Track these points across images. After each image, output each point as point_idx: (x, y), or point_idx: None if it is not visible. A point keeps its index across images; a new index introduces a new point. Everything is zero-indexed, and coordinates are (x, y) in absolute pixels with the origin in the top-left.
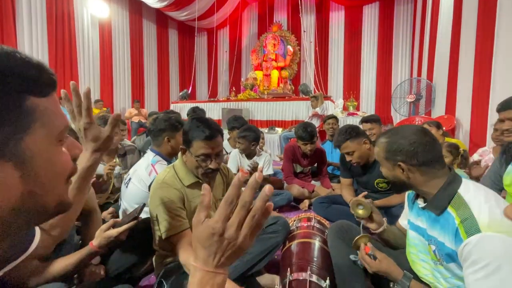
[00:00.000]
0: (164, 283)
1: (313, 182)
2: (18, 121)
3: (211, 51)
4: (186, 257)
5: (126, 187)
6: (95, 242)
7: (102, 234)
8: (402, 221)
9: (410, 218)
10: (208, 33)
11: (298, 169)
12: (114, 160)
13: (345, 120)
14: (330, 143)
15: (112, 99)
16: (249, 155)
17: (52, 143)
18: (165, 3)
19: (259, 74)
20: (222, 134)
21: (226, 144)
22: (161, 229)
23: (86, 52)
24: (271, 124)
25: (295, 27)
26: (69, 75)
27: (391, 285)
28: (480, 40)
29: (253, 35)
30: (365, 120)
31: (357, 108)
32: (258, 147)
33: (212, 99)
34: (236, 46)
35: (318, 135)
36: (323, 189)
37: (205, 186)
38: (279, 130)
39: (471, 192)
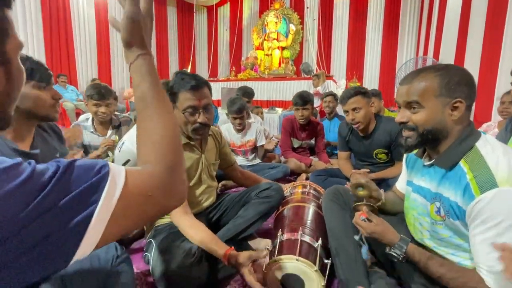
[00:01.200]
0: (153, 242)
1: (311, 158)
2: (2, 26)
3: (211, 30)
4: (177, 215)
5: (119, 151)
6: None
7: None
8: (399, 184)
9: (412, 179)
10: (208, 10)
11: (296, 143)
12: (114, 138)
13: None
14: (328, 121)
15: (110, 78)
16: (240, 129)
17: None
18: None
19: (260, 54)
20: (209, 87)
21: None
22: None
23: (82, 30)
24: (272, 104)
25: (297, 5)
26: (65, 53)
27: (387, 250)
28: (491, 16)
29: (254, 14)
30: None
31: None
32: (255, 115)
33: (212, 78)
34: (237, 25)
35: (318, 111)
36: (321, 164)
37: None
38: (279, 110)
39: (489, 146)
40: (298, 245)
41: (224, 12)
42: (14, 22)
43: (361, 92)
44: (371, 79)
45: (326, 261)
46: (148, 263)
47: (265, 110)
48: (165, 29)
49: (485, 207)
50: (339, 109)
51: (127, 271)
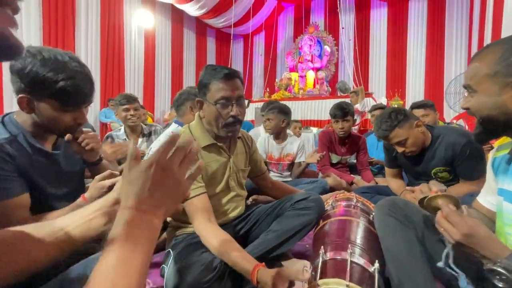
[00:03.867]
0: (171, 252)
1: (352, 176)
2: None
3: (246, 56)
4: (199, 223)
5: (147, 156)
6: (87, 194)
7: (94, 185)
8: (483, 199)
9: (504, 186)
10: (244, 39)
11: (334, 159)
12: (143, 146)
13: None
14: (375, 137)
15: (154, 103)
16: (280, 138)
17: None
18: (203, 11)
19: (294, 75)
20: (241, 80)
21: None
22: None
23: (133, 60)
24: (306, 124)
25: (332, 27)
26: (116, 82)
27: (488, 265)
28: None
29: (288, 39)
30: (416, 106)
31: (403, 106)
32: (291, 131)
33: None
34: (272, 50)
35: (358, 124)
36: (364, 183)
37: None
38: (314, 129)
39: None
40: (348, 267)
41: (260, 39)
42: (78, 48)
43: (398, 122)
44: (415, 96)
45: None
46: (164, 276)
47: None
48: (205, 57)
49: None
50: None
51: None
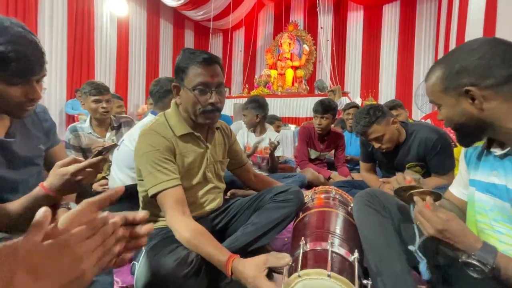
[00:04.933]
0: (143, 248)
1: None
2: None
3: (226, 51)
4: (172, 215)
5: (117, 149)
6: (46, 183)
7: (55, 171)
8: (455, 189)
9: (477, 177)
10: (224, 34)
11: (313, 154)
12: (110, 140)
13: None
14: (349, 134)
15: (127, 95)
16: (256, 132)
17: None
18: (181, 2)
19: (273, 73)
20: (222, 67)
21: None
22: (146, 185)
23: (104, 50)
24: (285, 121)
25: (311, 27)
26: (85, 72)
27: (463, 258)
28: None
29: (268, 35)
30: (389, 107)
31: None
32: (269, 125)
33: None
34: (251, 46)
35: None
36: (341, 178)
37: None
38: (292, 127)
39: None
40: (329, 257)
41: (239, 35)
42: (41, 34)
43: (376, 118)
44: (387, 97)
45: (365, 281)
46: (134, 274)
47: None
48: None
49: None
50: None
51: (103, 280)
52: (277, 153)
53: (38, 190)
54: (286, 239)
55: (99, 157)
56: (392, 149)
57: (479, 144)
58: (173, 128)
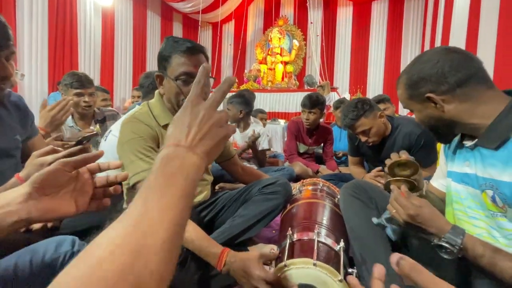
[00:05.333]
0: None
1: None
2: None
3: (215, 45)
4: None
5: (105, 140)
6: (22, 173)
7: (32, 161)
8: (436, 182)
9: (453, 168)
10: (213, 27)
11: (302, 148)
12: (92, 127)
13: None
14: (338, 128)
15: (112, 88)
16: (240, 127)
17: None
18: None
19: (263, 67)
20: (206, 57)
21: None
22: (128, 174)
23: (88, 39)
24: (274, 116)
25: (301, 22)
26: (68, 64)
27: (435, 241)
28: (503, 26)
29: (258, 30)
30: (376, 101)
31: None
32: (254, 120)
33: (214, 89)
34: (241, 41)
35: (325, 112)
36: (328, 171)
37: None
38: (281, 121)
39: None
40: (315, 247)
41: (229, 28)
42: (20, 24)
43: (364, 111)
44: (375, 92)
45: (350, 270)
46: None
47: (268, 121)
48: None
49: None
50: None
51: None
52: (264, 145)
53: (13, 182)
54: (274, 231)
55: (80, 146)
56: (378, 143)
57: (457, 138)
58: (157, 118)
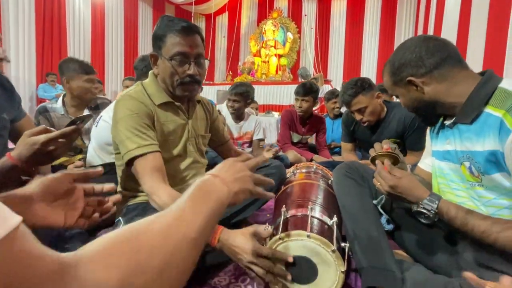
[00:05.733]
0: (122, 220)
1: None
2: None
3: (208, 37)
4: (151, 182)
5: (96, 126)
6: (14, 153)
7: (24, 140)
8: (423, 163)
9: (437, 148)
10: (206, 19)
11: (295, 138)
12: (88, 124)
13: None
14: (330, 120)
15: (104, 81)
16: (238, 117)
17: None
18: None
19: (257, 60)
20: (202, 38)
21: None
22: (122, 151)
23: (77, 30)
24: (268, 109)
25: (295, 14)
26: (57, 51)
27: (415, 208)
28: (492, 22)
29: (252, 22)
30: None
31: None
32: (248, 110)
33: (208, 82)
34: (235, 33)
35: (317, 109)
36: (322, 159)
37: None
38: (275, 114)
39: None
40: (309, 221)
41: (223, 20)
42: (5, 14)
43: (363, 89)
44: None
45: (343, 244)
46: None
47: (261, 114)
48: None
49: None
50: (343, 109)
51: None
52: (258, 135)
53: (4, 160)
54: (268, 215)
55: (73, 126)
56: (373, 123)
57: (440, 121)
58: (152, 97)
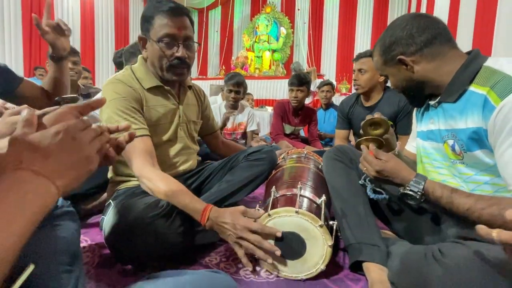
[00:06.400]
0: (112, 203)
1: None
2: None
3: (201, 31)
4: (141, 165)
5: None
6: None
7: (5, 119)
8: (409, 145)
9: (421, 128)
10: (199, 13)
11: (288, 129)
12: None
13: (338, 100)
14: (322, 111)
15: (94, 74)
16: (233, 108)
17: None
18: None
19: (250, 55)
20: (191, 20)
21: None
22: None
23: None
24: (261, 103)
25: (288, 9)
26: (45, 45)
27: (401, 190)
28: (480, 20)
29: (245, 17)
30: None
31: (350, 90)
32: (243, 102)
33: (201, 76)
34: (228, 27)
35: (310, 103)
36: (314, 150)
37: None
38: (269, 108)
39: (502, 60)
40: (298, 200)
41: (215, 15)
42: None
43: (377, 58)
44: None
45: (331, 222)
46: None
47: (255, 108)
48: None
49: (510, 113)
50: (335, 99)
51: (67, 226)
52: (252, 127)
53: None
54: (260, 201)
55: (56, 107)
56: (361, 92)
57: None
58: (141, 81)
